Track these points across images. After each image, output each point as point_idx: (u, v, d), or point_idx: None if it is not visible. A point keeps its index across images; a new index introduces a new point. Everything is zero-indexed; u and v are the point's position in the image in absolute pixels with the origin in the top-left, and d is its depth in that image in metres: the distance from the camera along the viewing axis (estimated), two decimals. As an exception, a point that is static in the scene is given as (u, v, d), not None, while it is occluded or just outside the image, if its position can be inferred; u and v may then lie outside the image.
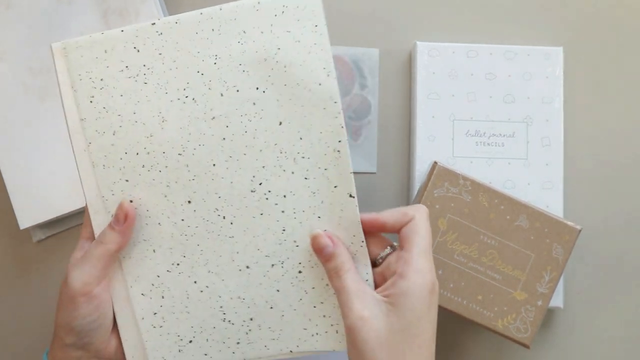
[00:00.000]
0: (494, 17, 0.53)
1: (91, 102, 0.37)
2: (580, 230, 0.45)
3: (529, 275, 0.45)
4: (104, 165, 0.37)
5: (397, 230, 0.36)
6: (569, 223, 0.45)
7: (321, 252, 0.36)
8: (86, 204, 0.38)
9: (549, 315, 0.51)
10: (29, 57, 0.49)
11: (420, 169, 0.50)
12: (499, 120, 0.50)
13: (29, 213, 0.48)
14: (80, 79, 0.37)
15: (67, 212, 0.49)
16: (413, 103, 0.51)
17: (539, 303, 0.45)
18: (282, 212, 0.37)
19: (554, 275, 0.45)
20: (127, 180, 0.37)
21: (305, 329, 0.38)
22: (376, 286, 0.36)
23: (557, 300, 0.48)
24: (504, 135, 0.50)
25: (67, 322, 0.36)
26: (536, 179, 0.50)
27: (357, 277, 0.35)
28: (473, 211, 0.45)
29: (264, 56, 0.36)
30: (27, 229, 0.49)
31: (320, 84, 0.36)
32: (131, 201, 0.37)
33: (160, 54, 0.37)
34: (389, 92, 0.52)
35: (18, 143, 0.49)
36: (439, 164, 0.45)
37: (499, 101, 0.50)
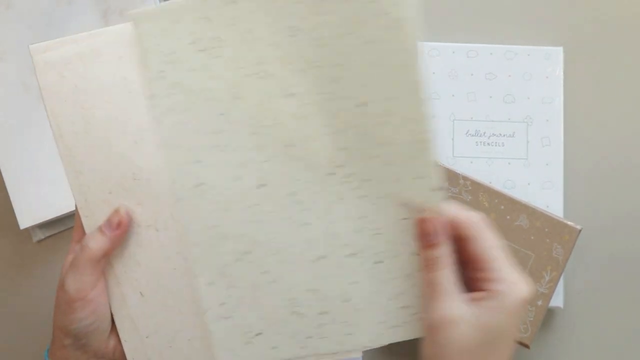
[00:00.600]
0: (494, 17, 0.53)
1: (162, 78, 0.34)
2: (580, 230, 0.45)
3: (529, 275, 0.45)
4: (174, 145, 0.35)
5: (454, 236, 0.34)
6: (569, 223, 0.45)
7: (424, 238, 0.33)
8: (76, 206, 0.37)
9: (549, 315, 0.51)
10: (29, 57, 0.49)
11: (420, 169, 0.50)
12: (499, 120, 0.50)
13: (29, 213, 0.48)
14: (151, 52, 0.34)
15: (67, 212, 0.49)
16: (413, 103, 0.51)
17: (539, 303, 0.45)
18: (364, 196, 0.34)
19: (554, 275, 0.45)
20: (198, 162, 0.35)
21: (383, 322, 0.36)
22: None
23: (557, 300, 0.48)
24: (504, 135, 0.50)
25: (65, 325, 0.36)
26: (536, 179, 0.50)
27: (452, 276, 0.33)
28: (473, 211, 0.45)
29: (345, 30, 0.32)
30: (27, 229, 0.49)
31: (406, 65, 0.32)
32: (202, 183, 0.35)
33: (234, 24, 0.33)
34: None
35: (18, 143, 0.49)
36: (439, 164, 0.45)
37: (499, 101, 0.50)
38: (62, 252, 0.52)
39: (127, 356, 0.38)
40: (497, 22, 0.53)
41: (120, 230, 0.36)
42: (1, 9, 0.49)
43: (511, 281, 0.32)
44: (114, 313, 0.38)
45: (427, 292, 0.33)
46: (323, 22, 0.32)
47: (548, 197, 0.50)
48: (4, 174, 0.48)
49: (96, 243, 0.35)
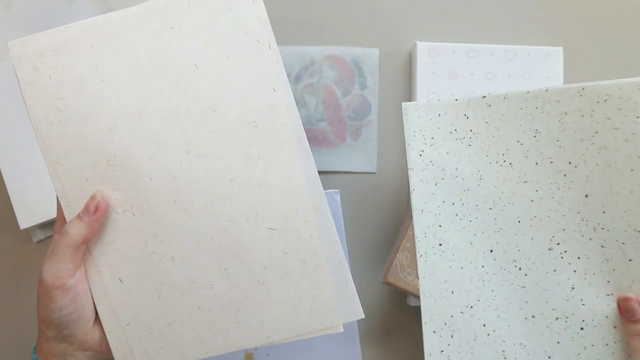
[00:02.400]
0: (494, 17, 0.53)
1: (420, 155, 0.42)
2: None
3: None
4: (440, 226, 0.42)
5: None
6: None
7: (626, 314, 0.39)
8: (57, 197, 0.38)
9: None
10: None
11: (420, 169, 0.50)
12: (499, 120, 0.50)
13: (29, 213, 0.48)
14: (414, 136, 0.42)
15: (67, 212, 0.49)
16: (413, 103, 0.51)
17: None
18: (574, 271, 0.40)
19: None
20: (440, 226, 0.42)
21: None
22: None
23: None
24: (504, 135, 0.50)
25: (46, 315, 0.36)
26: (536, 179, 0.50)
27: None
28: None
29: (580, 137, 0.40)
30: (27, 229, 0.49)
31: (632, 170, 0.39)
32: (440, 244, 0.42)
33: (486, 122, 0.42)
34: (389, 92, 0.52)
35: (18, 143, 0.49)
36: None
37: (499, 101, 0.50)
38: (62, 252, 0.52)
39: (111, 345, 0.38)
40: (497, 22, 0.53)
41: (98, 215, 0.36)
42: (1, 9, 0.49)
43: None
44: (96, 303, 0.38)
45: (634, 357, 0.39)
46: (565, 128, 0.40)
47: None
48: (4, 174, 0.48)
49: (74, 229, 0.36)
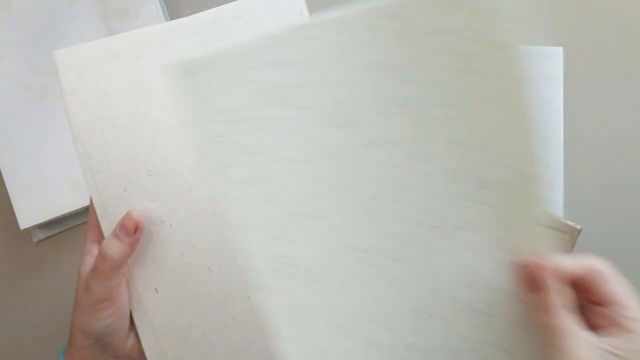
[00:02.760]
0: (493, 17, 0.53)
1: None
2: (580, 230, 0.45)
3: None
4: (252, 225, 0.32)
5: (572, 281, 0.32)
6: (569, 223, 0.45)
7: (527, 282, 0.31)
8: (91, 205, 0.37)
9: (549, 316, 0.51)
10: (29, 57, 0.49)
11: (420, 169, 0.50)
12: (499, 120, 0.50)
13: (29, 213, 0.48)
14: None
15: (67, 212, 0.49)
16: (413, 103, 0.51)
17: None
18: (470, 248, 0.32)
19: (554, 275, 0.44)
20: (284, 238, 0.31)
21: None
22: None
23: (557, 301, 0.48)
24: (503, 135, 0.50)
25: (87, 324, 0.36)
26: (536, 179, 0.50)
27: (570, 316, 0.30)
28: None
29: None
30: (27, 229, 0.49)
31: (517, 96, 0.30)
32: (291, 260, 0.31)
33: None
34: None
35: (18, 143, 0.49)
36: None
37: (499, 101, 0.50)
38: (62, 252, 0.52)
39: (146, 353, 0.38)
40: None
41: (137, 235, 0.36)
42: (1, 9, 0.49)
43: None
44: (132, 311, 0.38)
45: (546, 337, 0.31)
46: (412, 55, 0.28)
47: (548, 197, 0.50)
48: (4, 174, 0.48)
49: (116, 251, 0.36)
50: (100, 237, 0.38)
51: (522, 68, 0.28)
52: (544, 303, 0.31)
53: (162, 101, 0.37)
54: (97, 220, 0.37)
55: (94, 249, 0.37)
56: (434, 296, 0.32)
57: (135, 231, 0.36)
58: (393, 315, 0.32)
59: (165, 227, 0.37)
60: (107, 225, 0.37)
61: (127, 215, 0.36)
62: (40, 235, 0.51)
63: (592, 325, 0.31)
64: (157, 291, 0.38)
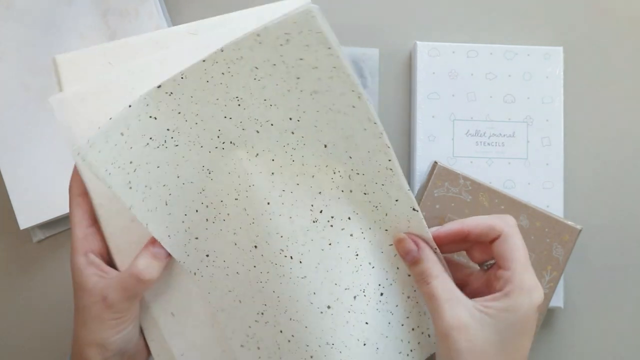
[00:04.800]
0: (494, 17, 0.53)
1: (130, 188, 0.33)
2: (580, 230, 0.45)
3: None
4: (169, 236, 0.36)
5: (480, 241, 0.35)
6: (569, 223, 0.45)
7: (406, 256, 0.35)
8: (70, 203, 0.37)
9: (549, 315, 0.51)
10: (29, 57, 0.49)
11: (420, 169, 0.50)
12: (499, 120, 0.50)
13: (29, 213, 0.48)
14: (110, 174, 0.32)
15: (67, 212, 0.49)
16: (413, 103, 0.51)
17: (539, 303, 0.44)
18: (351, 235, 0.35)
19: (554, 275, 0.45)
20: (197, 238, 0.36)
21: (400, 353, 0.36)
22: (475, 295, 0.34)
23: (557, 300, 0.48)
24: (504, 135, 0.50)
25: (109, 338, 0.35)
26: (536, 179, 0.50)
27: (448, 283, 0.33)
28: (473, 211, 0.45)
29: (286, 88, 0.33)
30: (27, 229, 0.49)
31: (353, 107, 0.32)
32: (207, 255, 0.37)
33: (179, 113, 0.34)
34: (389, 92, 0.52)
35: (18, 143, 0.49)
36: (439, 164, 0.45)
37: (499, 101, 0.50)
38: (62, 252, 0.52)
39: (154, 354, 0.39)
40: (497, 22, 0.53)
41: (171, 257, 0.36)
42: (1, 8, 0.49)
43: (528, 286, 0.32)
44: (147, 337, 0.38)
45: (430, 305, 0.33)
46: (265, 85, 0.33)
47: (548, 197, 0.50)
48: (3, 174, 0.48)
49: (154, 271, 0.35)
50: (92, 248, 0.37)
51: (354, 83, 0.32)
52: (422, 273, 0.34)
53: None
54: (84, 231, 0.37)
55: (94, 259, 0.36)
56: (330, 288, 0.35)
57: (169, 255, 0.36)
58: (298, 309, 0.35)
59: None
60: (120, 258, 0.37)
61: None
62: (40, 235, 0.51)
63: (487, 285, 0.35)
64: (173, 315, 0.38)
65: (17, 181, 0.48)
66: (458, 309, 0.32)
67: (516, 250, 0.33)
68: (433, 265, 0.34)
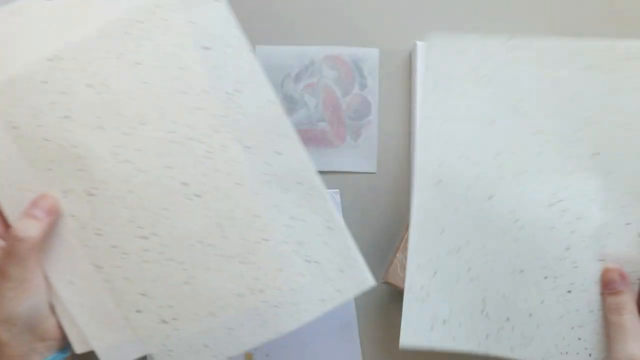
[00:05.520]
0: (494, 17, 0.53)
1: (435, 89, 0.40)
2: None
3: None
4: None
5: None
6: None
7: (608, 285, 0.38)
8: None
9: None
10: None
11: (420, 169, 0.50)
12: (499, 120, 0.50)
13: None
14: (429, 71, 0.40)
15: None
16: (413, 103, 0.51)
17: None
18: (572, 232, 0.39)
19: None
20: (442, 162, 0.40)
21: (555, 345, 0.39)
22: None
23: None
24: (504, 135, 0.50)
25: (12, 311, 0.35)
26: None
27: (636, 319, 0.37)
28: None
29: (601, 92, 0.39)
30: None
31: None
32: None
33: (507, 65, 0.39)
34: (389, 92, 0.52)
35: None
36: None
37: (499, 101, 0.50)
38: None
39: (75, 349, 0.39)
40: (497, 22, 0.53)
41: (53, 217, 0.37)
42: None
43: None
44: (55, 306, 0.38)
45: (612, 333, 0.37)
46: (588, 82, 0.39)
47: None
48: (4, 174, 0.48)
49: (31, 230, 0.36)
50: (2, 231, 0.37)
51: None
52: (619, 304, 0.37)
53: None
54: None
55: None
56: (531, 257, 0.40)
57: (52, 211, 0.36)
58: (499, 261, 0.40)
59: (68, 220, 0.38)
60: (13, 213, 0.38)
61: (41, 196, 0.37)
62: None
63: None
64: (72, 283, 0.38)
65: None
66: (638, 342, 0.36)
67: None
68: (630, 300, 0.37)
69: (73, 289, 0.38)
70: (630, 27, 0.53)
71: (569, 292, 0.39)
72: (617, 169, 0.39)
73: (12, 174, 0.37)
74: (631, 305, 0.37)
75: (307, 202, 0.39)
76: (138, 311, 0.38)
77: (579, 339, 0.39)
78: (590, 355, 0.39)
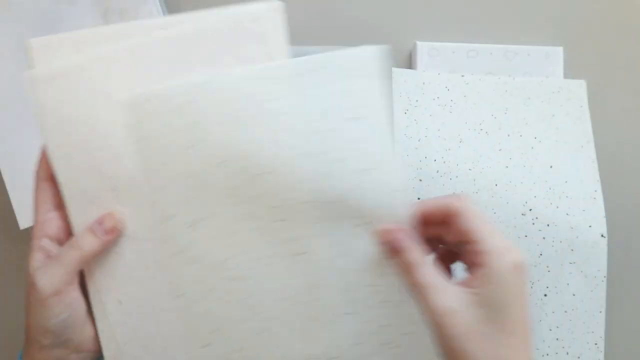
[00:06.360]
0: (494, 17, 0.53)
1: (405, 113, 0.46)
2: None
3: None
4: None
5: (439, 222, 0.34)
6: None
7: (387, 247, 0.34)
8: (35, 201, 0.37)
9: None
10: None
11: (420, 169, 0.50)
12: (499, 120, 0.50)
13: (29, 213, 0.48)
14: (400, 96, 0.48)
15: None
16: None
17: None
18: (543, 238, 0.43)
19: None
20: (420, 180, 0.45)
21: (537, 350, 0.41)
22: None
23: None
24: (504, 135, 0.50)
25: (42, 324, 0.35)
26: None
27: (432, 271, 0.32)
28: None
29: (542, 118, 0.49)
30: (27, 229, 0.49)
31: None
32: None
33: (464, 96, 0.48)
34: (389, 92, 0.52)
35: (18, 143, 0.49)
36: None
37: (499, 101, 0.51)
38: (62, 252, 0.52)
39: (103, 345, 0.38)
40: (497, 22, 0.53)
41: (114, 235, 0.36)
42: (1, 9, 0.49)
43: (498, 248, 0.31)
44: (96, 321, 0.38)
45: (416, 295, 0.32)
46: (529, 109, 0.47)
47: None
48: (3, 174, 0.48)
49: (86, 244, 0.36)
50: (49, 234, 0.37)
51: None
52: (404, 264, 0.33)
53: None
54: (44, 216, 0.37)
55: (46, 244, 0.36)
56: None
57: (112, 231, 0.36)
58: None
59: (131, 241, 0.37)
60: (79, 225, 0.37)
61: (108, 215, 0.36)
62: (40, 235, 0.51)
63: (469, 265, 0.33)
64: (120, 302, 0.38)
65: (17, 181, 0.48)
66: (447, 295, 0.31)
67: (475, 219, 0.32)
68: (411, 254, 0.33)
69: (119, 308, 0.38)
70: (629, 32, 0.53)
71: (545, 295, 0.41)
72: (570, 178, 0.45)
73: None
74: (419, 260, 0.33)
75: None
76: (203, 346, 0.38)
77: (557, 339, 0.41)
78: (567, 353, 0.41)
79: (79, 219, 0.37)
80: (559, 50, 0.51)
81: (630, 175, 0.52)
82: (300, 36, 0.52)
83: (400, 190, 0.34)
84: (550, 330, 0.40)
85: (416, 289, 0.32)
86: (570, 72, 0.51)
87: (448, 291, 0.31)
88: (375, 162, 0.34)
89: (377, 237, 0.35)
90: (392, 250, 0.34)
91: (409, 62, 0.52)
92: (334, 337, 0.37)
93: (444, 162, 0.44)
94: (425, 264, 0.32)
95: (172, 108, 0.36)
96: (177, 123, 0.36)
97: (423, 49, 0.51)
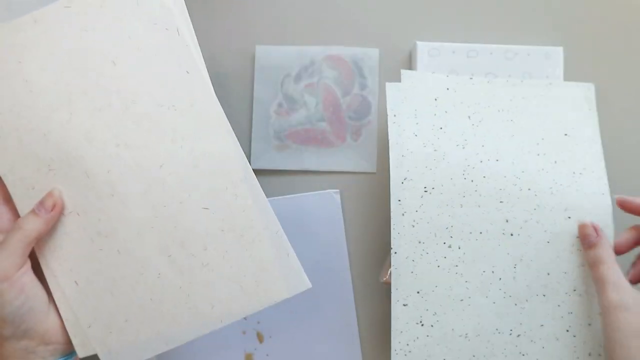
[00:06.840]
0: (494, 17, 0.53)
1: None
2: None
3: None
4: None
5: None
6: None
7: (584, 240, 0.41)
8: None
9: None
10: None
11: (420, 169, 0.50)
12: (499, 120, 0.51)
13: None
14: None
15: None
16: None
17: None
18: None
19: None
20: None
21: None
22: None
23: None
24: (504, 135, 0.50)
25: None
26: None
27: (616, 271, 0.38)
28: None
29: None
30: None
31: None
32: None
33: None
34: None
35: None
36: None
37: (499, 101, 0.51)
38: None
39: (78, 353, 0.39)
40: (497, 22, 0.53)
41: (55, 212, 0.37)
42: (1, 9, 0.49)
43: None
44: (59, 309, 0.38)
45: (598, 288, 0.38)
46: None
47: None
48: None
49: (30, 224, 0.36)
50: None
51: None
52: (593, 258, 0.39)
53: (46, 96, 0.38)
54: None
55: None
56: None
57: (53, 208, 0.37)
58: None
59: (73, 217, 0.38)
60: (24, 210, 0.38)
61: (48, 194, 0.37)
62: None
63: None
64: (77, 283, 0.38)
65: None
66: (622, 291, 0.36)
67: None
68: (606, 253, 0.39)
69: (77, 290, 0.38)
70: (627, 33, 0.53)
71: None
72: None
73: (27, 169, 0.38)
74: (607, 257, 0.39)
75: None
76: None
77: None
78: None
79: (24, 206, 0.38)
80: (559, 50, 0.51)
81: (630, 175, 0.52)
82: (301, 36, 0.53)
83: (605, 193, 0.43)
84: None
85: (599, 282, 0.38)
86: (570, 72, 0.51)
87: (626, 289, 0.36)
88: (586, 167, 0.43)
89: (578, 230, 0.41)
90: (587, 244, 0.40)
91: (409, 62, 0.52)
92: (524, 315, 0.41)
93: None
94: (612, 261, 0.38)
95: None
96: None
97: (423, 49, 0.51)
